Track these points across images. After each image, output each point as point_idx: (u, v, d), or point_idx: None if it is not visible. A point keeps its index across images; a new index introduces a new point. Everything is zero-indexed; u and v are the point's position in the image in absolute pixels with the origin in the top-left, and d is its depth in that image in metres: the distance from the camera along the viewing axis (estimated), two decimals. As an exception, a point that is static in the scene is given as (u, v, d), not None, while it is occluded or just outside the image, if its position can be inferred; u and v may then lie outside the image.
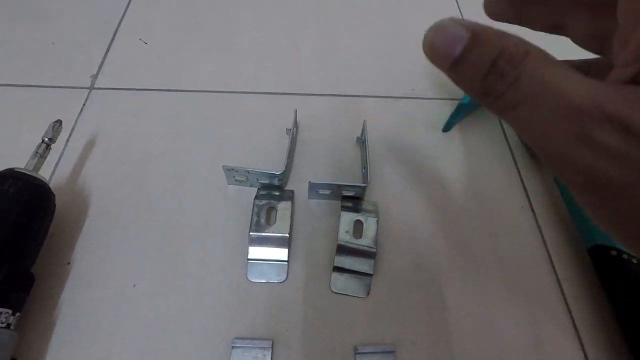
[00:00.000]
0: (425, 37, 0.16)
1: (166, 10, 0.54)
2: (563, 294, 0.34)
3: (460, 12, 0.56)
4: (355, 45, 0.52)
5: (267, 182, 0.37)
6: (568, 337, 0.32)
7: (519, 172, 0.41)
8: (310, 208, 0.37)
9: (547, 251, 0.36)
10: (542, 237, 0.37)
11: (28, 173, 0.30)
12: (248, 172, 0.36)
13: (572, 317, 0.33)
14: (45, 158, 0.33)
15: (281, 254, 0.34)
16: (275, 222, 0.34)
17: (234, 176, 0.37)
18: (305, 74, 0.48)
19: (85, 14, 0.53)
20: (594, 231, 0.33)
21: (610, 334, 0.32)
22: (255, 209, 0.35)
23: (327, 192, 0.37)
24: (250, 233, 0.34)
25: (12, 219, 0.27)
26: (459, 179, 0.40)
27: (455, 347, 0.31)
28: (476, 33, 0.15)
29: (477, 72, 0.15)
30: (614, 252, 0.32)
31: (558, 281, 0.34)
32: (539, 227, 0.37)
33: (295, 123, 0.41)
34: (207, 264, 0.34)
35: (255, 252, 0.34)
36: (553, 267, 0.35)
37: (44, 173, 0.34)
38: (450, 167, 0.41)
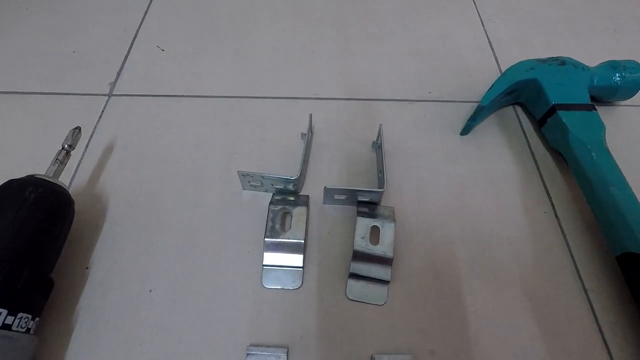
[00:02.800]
0: None
1: (183, 17, 0.55)
2: (590, 303, 0.32)
3: (479, 16, 0.55)
4: (371, 49, 0.51)
5: (282, 187, 0.37)
6: (596, 349, 0.30)
7: (541, 176, 0.40)
8: (326, 213, 0.37)
9: (573, 258, 0.35)
10: (567, 244, 0.35)
11: (48, 179, 0.31)
12: (263, 177, 0.36)
13: (599, 327, 0.31)
14: (65, 164, 0.34)
15: (296, 260, 0.33)
16: (290, 228, 0.34)
17: (248, 181, 0.37)
18: (321, 78, 0.48)
19: (105, 22, 0.54)
20: (623, 238, 0.32)
21: (642, 347, 0.30)
22: (270, 215, 0.35)
23: (343, 197, 0.36)
24: (266, 239, 0.33)
25: (33, 224, 0.28)
26: (478, 183, 0.39)
27: (475, 357, 0.30)
28: None
29: None
30: (644, 260, 0.30)
31: (585, 289, 0.33)
32: (563, 233, 0.36)
33: (310, 127, 0.40)
34: (222, 269, 0.34)
35: (271, 258, 0.33)
36: (579, 274, 0.34)
37: (64, 179, 0.34)
38: (469, 171, 0.40)
